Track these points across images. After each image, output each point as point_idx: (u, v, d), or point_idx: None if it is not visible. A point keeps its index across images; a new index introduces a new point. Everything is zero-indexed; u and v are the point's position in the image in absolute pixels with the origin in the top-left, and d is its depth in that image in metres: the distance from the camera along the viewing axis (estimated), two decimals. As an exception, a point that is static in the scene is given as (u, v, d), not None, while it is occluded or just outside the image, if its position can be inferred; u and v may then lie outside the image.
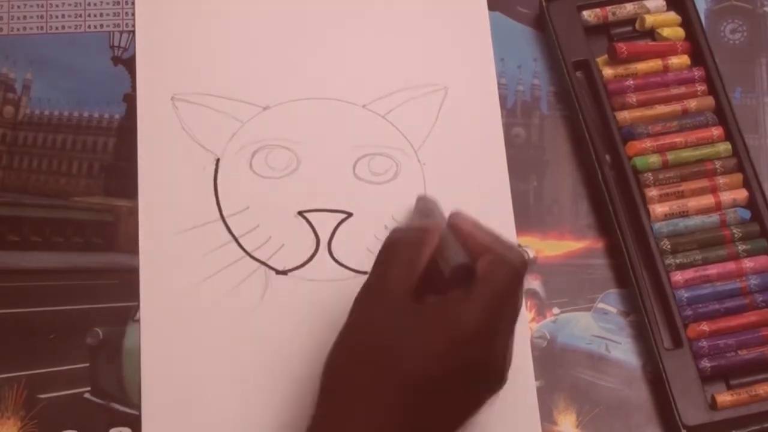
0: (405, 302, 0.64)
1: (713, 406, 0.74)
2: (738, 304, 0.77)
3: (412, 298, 0.64)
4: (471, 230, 0.68)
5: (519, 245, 0.79)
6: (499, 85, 0.84)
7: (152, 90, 0.82)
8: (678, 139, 0.81)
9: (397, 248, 0.66)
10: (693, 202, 0.79)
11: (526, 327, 0.77)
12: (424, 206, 0.76)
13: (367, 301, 0.66)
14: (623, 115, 0.81)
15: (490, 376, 0.65)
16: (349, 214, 0.79)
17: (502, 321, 0.65)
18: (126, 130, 0.82)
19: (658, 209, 0.79)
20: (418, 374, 0.62)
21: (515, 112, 0.84)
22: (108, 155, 0.81)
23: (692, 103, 0.82)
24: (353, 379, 0.64)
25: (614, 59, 0.83)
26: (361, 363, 0.64)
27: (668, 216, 0.79)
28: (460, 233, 0.68)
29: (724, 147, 0.81)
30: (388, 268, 0.66)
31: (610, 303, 0.79)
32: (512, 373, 0.75)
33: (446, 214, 0.71)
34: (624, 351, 0.78)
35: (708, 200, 0.79)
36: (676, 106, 0.82)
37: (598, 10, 0.84)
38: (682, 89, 0.83)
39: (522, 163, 0.82)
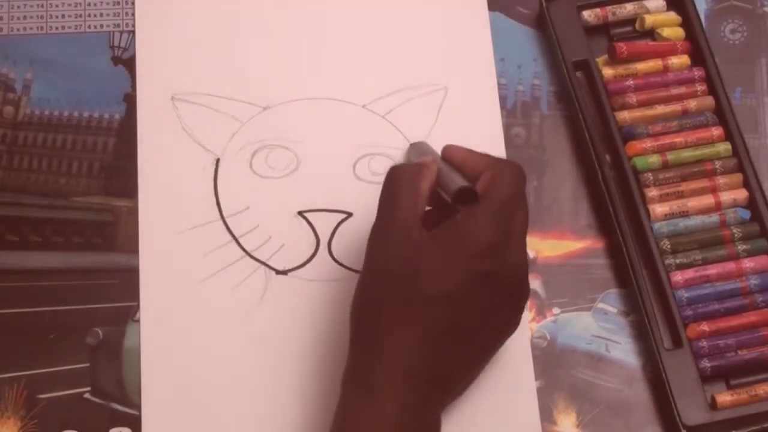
0: (416, 231, 0.66)
1: (713, 406, 0.74)
2: (738, 304, 0.77)
3: (422, 229, 0.66)
4: (465, 156, 0.71)
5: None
6: (499, 85, 0.84)
7: (152, 90, 0.82)
8: (678, 139, 0.81)
9: (399, 182, 0.68)
10: (693, 202, 0.79)
11: (526, 327, 0.77)
12: (418, 148, 0.77)
13: (380, 237, 0.67)
14: (623, 115, 0.81)
15: (511, 284, 0.67)
16: (349, 214, 0.79)
17: (512, 229, 0.67)
18: (126, 130, 0.82)
19: (658, 209, 0.79)
20: (440, 293, 0.64)
21: (515, 112, 0.84)
22: (108, 155, 0.81)
23: (692, 103, 0.82)
24: (380, 313, 0.65)
25: (614, 59, 0.83)
26: (385, 295, 0.65)
27: (668, 216, 0.79)
28: (456, 161, 0.71)
29: (724, 147, 0.81)
30: (394, 201, 0.67)
31: (610, 303, 0.79)
32: (512, 373, 0.76)
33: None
34: (624, 351, 0.78)
35: (708, 200, 0.79)
36: (676, 106, 0.82)
37: (598, 10, 0.84)
38: (682, 89, 0.83)
39: (522, 163, 0.81)
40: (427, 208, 0.69)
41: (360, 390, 0.65)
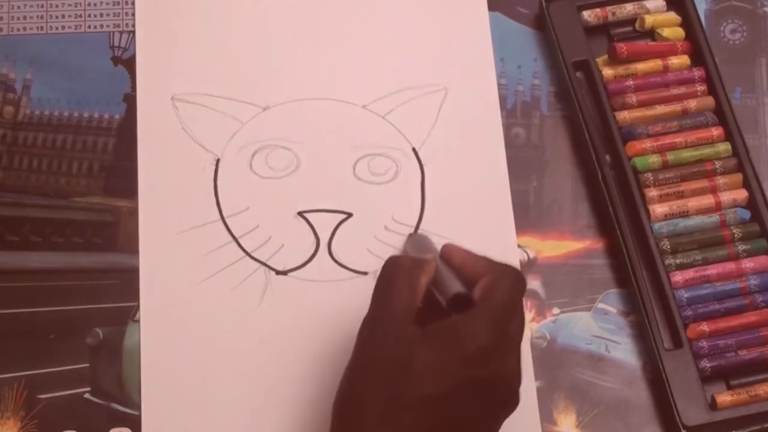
0: (409, 328, 0.63)
1: (713, 406, 0.74)
2: (738, 304, 0.77)
3: (415, 324, 0.64)
4: (464, 258, 0.68)
5: (519, 246, 0.80)
6: (499, 85, 0.84)
7: (152, 90, 0.82)
8: (678, 139, 0.81)
9: (395, 276, 0.66)
10: (693, 203, 0.79)
11: (526, 327, 0.77)
12: (417, 242, 0.75)
13: (372, 330, 0.65)
14: (623, 115, 0.81)
15: (501, 394, 0.65)
16: (349, 215, 0.79)
17: (506, 337, 0.64)
18: (126, 130, 0.82)
19: (658, 209, 0.79)
20: (428, 396, 0.62)
21: (515, 112, 0.84)
22: (108, 155, 0.81)
23: (692, 103, 0.82)
24: (366, 407, 0.63)
25: (614, 59, 0.83)
26: (372, 391, 0.63)
27: (668, 216, 0.79)
28: (454, 262, 0.68)
29: (724, 147, 0.81)
30: (389, 295, 0.65)
31: (610, 303, 0.79)
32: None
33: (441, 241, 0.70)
34: (624, 351, 0.78)
35: (708, 200, 0.79)
36: (676, 106, 0.82)
37: (598, 10, 0.84)
38: (682, 89, 0.83)
39: (522, 163, 0.82)
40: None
41: None
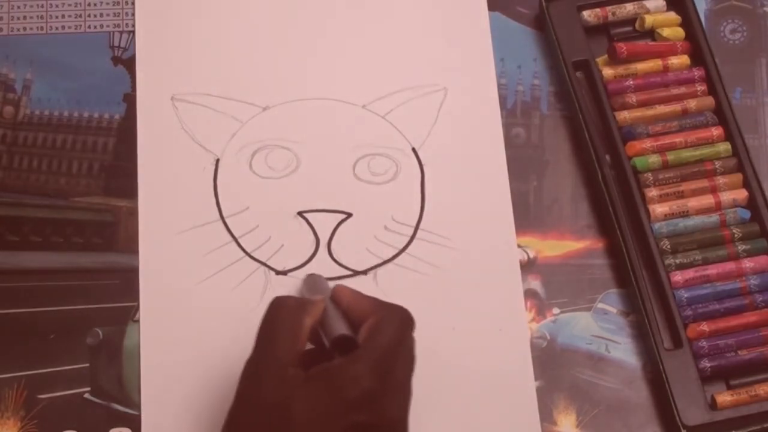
0: (291, 371, 0.63)
1: (713, 406, 0.74)
2: (738, 304, 0.77)
3: (298, 368, 0.63)
4: (351, 299, 0.68)
5: (519, 246, 0.80)
6: (499, 85, 0.84)
7: (152, 90, 0.82)
8: (678, 139, 0.81)
9: (281, 315, 0.65)
10: (693, 202, 0.79)
11: (525, 327, 0.77)
12: (312, 283, 0.75)
13: (254, 374, 0.64)
14: (623, 115, 0.81)
15: None
16: (349, 215, 0.79)
17: (391, 379, 0.63)
18: (126, 130, 0.82)
19: (658, 209, 0.79)
20: None
21: (515, 112, 0.84)
22: (108, 155, 0.81)
23: (692, 103, 0.82)
24: None
25: (614, 59, 0.83)
26: None
27: (668, 216, 0.79)
28: (342, 304, 0.68)
29: (724, 147, 0.81)
30: (272, 339, 0.65)
31: (610, 303, 0.79)
32: (512, 373, 0.76)
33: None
34: (624, 351, 0.78)
35: (708, 200, 0.79)
36: (676, 106, 0.82)
37: (598, 10, 0.84)
38: (682, 89, 0.83)
39: (522, 163, 0.82)
40: (310, 346, 0.66)
41: None
